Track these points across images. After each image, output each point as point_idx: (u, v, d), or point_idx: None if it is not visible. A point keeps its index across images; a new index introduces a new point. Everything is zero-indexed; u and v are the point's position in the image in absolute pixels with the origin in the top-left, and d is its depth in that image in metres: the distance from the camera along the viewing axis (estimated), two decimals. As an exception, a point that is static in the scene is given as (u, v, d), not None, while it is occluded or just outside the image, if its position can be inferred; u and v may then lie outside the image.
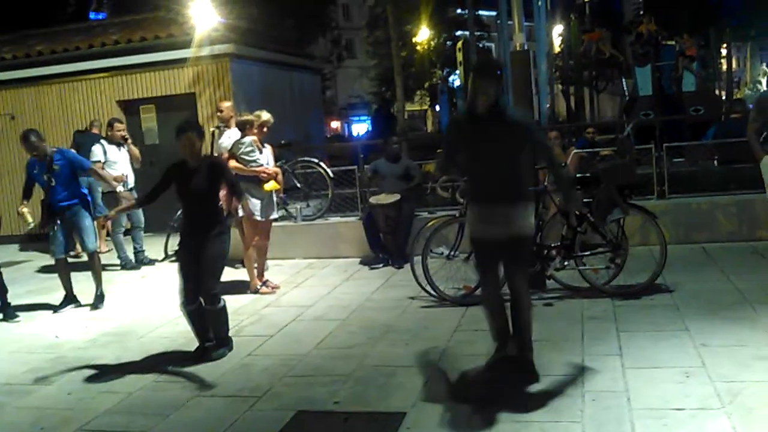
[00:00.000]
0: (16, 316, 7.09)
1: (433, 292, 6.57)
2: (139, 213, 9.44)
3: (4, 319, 7.06)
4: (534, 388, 4.37)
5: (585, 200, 6.22)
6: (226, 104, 8.83)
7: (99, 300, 7.33)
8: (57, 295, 7.48)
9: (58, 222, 7.12)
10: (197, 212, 5.47)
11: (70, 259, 7.63)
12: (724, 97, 26.87)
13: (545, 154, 4.68)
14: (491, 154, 4.44)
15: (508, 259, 4.61)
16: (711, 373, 4.32)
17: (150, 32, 12.20)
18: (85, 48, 12.28)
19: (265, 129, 7.46)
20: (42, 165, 7.05)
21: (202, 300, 5.43)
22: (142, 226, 9.52)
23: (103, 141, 9.21)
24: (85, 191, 7.41)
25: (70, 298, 7.37)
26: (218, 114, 8.74)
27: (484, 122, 4.40)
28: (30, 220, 7.19)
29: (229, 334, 5.68)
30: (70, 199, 7.09)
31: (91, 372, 5.35)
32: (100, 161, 8.81)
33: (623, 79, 20.44)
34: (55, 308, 7.33)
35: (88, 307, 7.30)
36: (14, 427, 4.45)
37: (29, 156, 7.19)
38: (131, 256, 9.43)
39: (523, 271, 4.68)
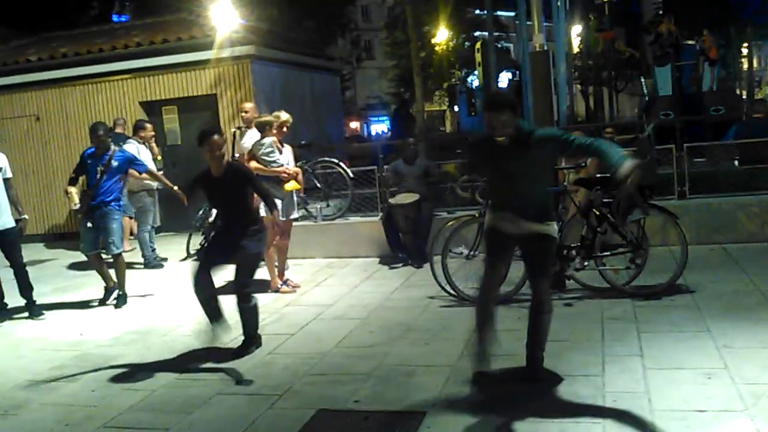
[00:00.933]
0: (42, 314, 7.19)
1: (452, 291, 6.59)
2: (157, 213, 9.59)
3: (30, 317, 7.15)
4: (554, 388, 4.37)
5: (605, 200, 6.21)
6: (249, 105, 8.87)
7: (121, 300, 7.42)
8: (82, 293, 7.59)
9: (89, 220, 7.21)
10: (231, 216, 5.61)
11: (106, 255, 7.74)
12: (744, 97, 26.61)
13: (580, 153, 4.70)
14: (517, 181, 4.38)
15: (533, 261, 4.57)
16: (733, 375, 4.30)
17: (172, 34, 12.31)
18: (108, 50, 12.41)
19: (284, 129, 7.52)
20: (100, 158, 7.18)
21: (236, 296, 5.52)
22: (157, 225, 9.72)
23: (132, 140, 9.31)
24: (120, 199, 7.48)
25: (111, 289, 7.49)
26: (243, 115, 8.75)
27: (506, 152, 4.34)
28: (77, 200, 7.27)
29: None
30: (108, 198, 7.18)
31: (115, 369, 5.42)
32: None
33: (642, 79, 20.33)
34: (100, 300, 7.47)
35: (112, 306, 7.40)
36: (39, 423, 4.52)
37: (90, 145, 7.35)
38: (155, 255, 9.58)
39: (548, 277, 4.66)
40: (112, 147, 7.32)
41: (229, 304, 5.59)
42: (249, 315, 5.59)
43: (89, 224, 7.23)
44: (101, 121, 7.78)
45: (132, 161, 7.52)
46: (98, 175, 7.14)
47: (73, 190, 7.24)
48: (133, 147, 9.13)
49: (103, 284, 7.54)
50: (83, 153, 7.41)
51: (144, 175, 8.07)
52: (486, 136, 4.46)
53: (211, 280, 5.51)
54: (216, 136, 5.42)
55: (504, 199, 4.52)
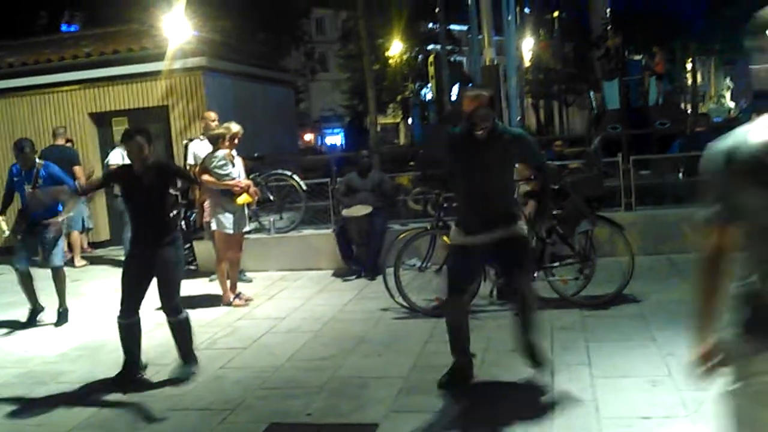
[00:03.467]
0: (-15, 331, 6.98)
1: (405, 303, 6.62)
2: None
3: (-27, 334, 6.95)
4: (505, 397, 4.43)
5: (554, 212, 6.33)
6: (215, 115, 8.63)
7: (62, 317, 7.18)
8: (27, 309, 7.37)
9: (26, 235, 6.99)
10: (147, 219, 5.22)
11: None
12: (689, 111, 27.42)
13: (535, 162, 4.88)
14: (487, 178, 4.49)
15: (509, 262, 4.67)
16: (677, 382, 4.40)
17: (123, 45, 12.16)
18: (57, 60, 12.20)
19: (236, 140, 7.47)
20: (28, 174, 6.96)
21: (164, 313, 5.26)
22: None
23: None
24: (60, 208, 7.15)
25: (38, 310, 7.26)
26: (211, 124, 8.45)
27: (482, 147, 4.43)
28: (5, 228, 7.08)
29: (203, 347, 5.64)
30: (47, 214, 6.93)
31: (61, 387, 5.30)
32: None
33: (591, 93, 20.79)
34: (24, 324, 7.20)
35: (52, 325, 7.16)
36: (-17, 443, 4.42)
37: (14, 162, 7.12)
38: None
39: (528, 273, 4.86)
40: (38, 162, 7.06)
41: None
42: (181, 331, 5.29)
43: (23, 239, 7.00)
44: (28, 138, 7.50)
45: (55, 177, 7.04)
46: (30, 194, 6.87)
47: (0, 219, 7.05)
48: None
49: (29, 305, 7.25)
50: (9, 170, 7.16)
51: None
52: (463, 131, 4.54)
53: (138, 314, 5.25)
54: (138, 137, 5.10)
55: (471, 202, 4.59)
